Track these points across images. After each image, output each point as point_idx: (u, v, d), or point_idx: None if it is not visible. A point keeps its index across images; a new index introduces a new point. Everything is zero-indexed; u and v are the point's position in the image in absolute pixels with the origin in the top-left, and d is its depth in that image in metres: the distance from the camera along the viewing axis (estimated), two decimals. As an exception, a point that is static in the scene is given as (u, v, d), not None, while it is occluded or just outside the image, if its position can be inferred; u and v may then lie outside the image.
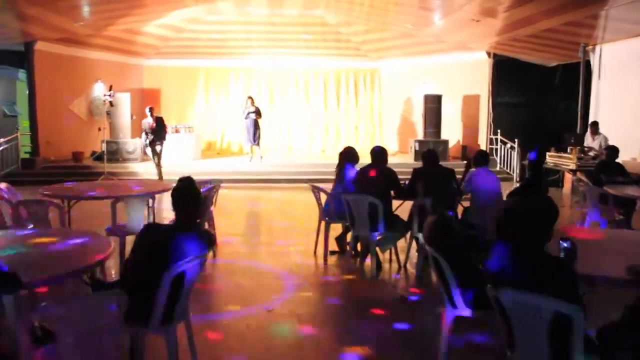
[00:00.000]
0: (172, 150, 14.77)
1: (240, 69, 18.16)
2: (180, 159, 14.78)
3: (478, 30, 13.20)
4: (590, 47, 12.27)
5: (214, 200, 6.83)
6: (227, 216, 9.20)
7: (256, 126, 14.55)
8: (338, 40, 16.95)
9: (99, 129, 13.05)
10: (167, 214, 8.70)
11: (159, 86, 18.02)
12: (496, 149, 15.12)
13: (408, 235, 6.26)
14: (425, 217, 5.55)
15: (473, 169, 6.06)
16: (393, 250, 6.23)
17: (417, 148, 15.06)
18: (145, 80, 18.09)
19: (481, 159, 6.13)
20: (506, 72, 15.52)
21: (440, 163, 6.25)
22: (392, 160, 15.74)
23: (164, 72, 17.92)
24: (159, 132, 12.74)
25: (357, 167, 6.40)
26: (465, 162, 6.52)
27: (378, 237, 5.74)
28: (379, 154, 6.08)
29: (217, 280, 5.88)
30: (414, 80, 17.10)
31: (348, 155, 6.49)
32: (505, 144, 14.83)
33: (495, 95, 15.43)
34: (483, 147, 15.50)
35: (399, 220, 6.01)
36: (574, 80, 15.52)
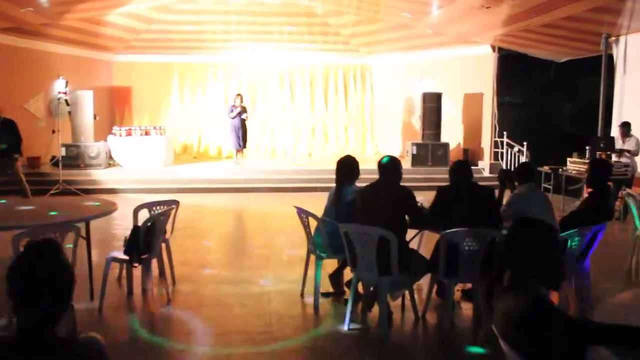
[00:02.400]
0: (140, 156, 13.18)
1: (218, 65, 16.56)
2: (149, 165, 13.16)
3: (483, 20, 11.73)
4: (614, 38, 10.84)
5: (170, 227, 5.26)
6: (193, 239, 7.61)
7: (245, 128, 13.01)
8: (325, 33, 15.39)
9: (53, 131, 11.37)
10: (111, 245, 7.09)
11: (130, 84, 16.40)
12: (502, 153, 13.66)
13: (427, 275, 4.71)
14: (453, 254, 4.05)
15: (514, 188, 4.53)
16: (407, 294, 4.66)
17: (414, 152, 13.57)
18: (115, 77, 16.46)
19: (527, 174, 4.59)
20: (511, 68, 14.07)
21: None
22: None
23: (135, 68, 16.29)
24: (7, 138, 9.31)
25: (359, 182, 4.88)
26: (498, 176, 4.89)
27: (390, 282, 4.18)
28: (390, 167, 4.41)
29: (161, 353, 4.13)
30: (409, 78, 15.65)
31: (347, 171, 4.95)
32: (512, 147, 13.37)
33: (500, 94, 13.96)
34: (487, 150, 14.06)
35: (417, 257, 4.46)
36: (578, 78, 14.23)
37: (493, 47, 13.72)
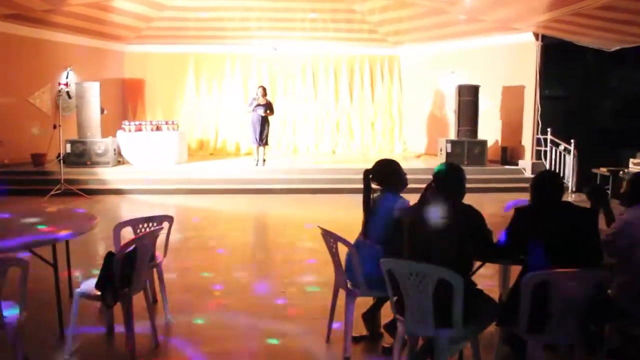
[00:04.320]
0: (151, 153, 12.21)
1: (236, 56, 15.52)
2: (160, 163, 12.17)
3: (527, 3, 10.51)
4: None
5: (163, 248, 4.21)
6: (200, 252, 6.59)
7: (264, 123, 11.92)
8: (350, 20, 14.21)
9: (54, 126, 10.42)
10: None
11: (143, 76, 15.46)
12: (545, 152, 12.39)
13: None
14: (541, 302, 2.91)
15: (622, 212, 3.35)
16: (469, 344, 3.49)
17: (448, 150, 12.39)
18: (127, 69, 15.53)
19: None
20: (554, 58, 12.78)
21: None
22: (416, 164, 13.23)
23: (147, 59, 15.36)
24: None
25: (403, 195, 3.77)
26: (586, 192, 3.62)
27: (450, 336, 3.05)
28: (450, 179, 3.28)
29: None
30: (441, 69, 14.47)
31: (387, 179, 3.84)
32: (557, 145, 12.10)
33: (543, 86, 12.69)
34: (528, 148, 12.81)
35: (484, 300, 3.31)
36: (631, 68, 12.93)
37: (536, 35, 12.46)
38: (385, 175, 3.85)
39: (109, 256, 3.42)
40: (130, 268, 3.45)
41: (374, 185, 3.81)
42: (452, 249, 3.06)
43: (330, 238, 3.76)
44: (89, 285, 3.62)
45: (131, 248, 3.43)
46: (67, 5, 11.36)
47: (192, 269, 5.84)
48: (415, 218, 3.21)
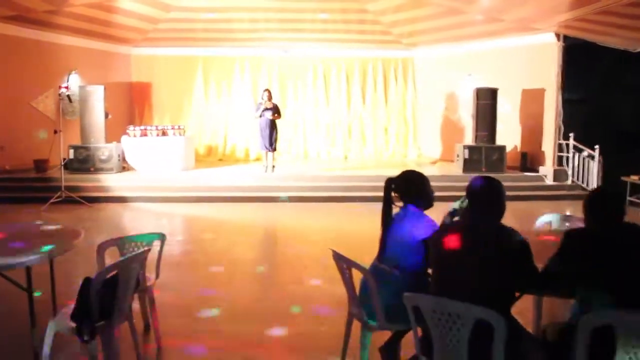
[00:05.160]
0: (157, 159, 11.79)
1: (245, 58, 15.09)
2: (166, 170, 11.74)
3: (548, 1, 9.97)
4: None
5: (155, 269, 3.73)
6: (199, 269, 6.12)
7: (273, 128, 11.45)
8: (363, 21, 13.72)
9: (55, 132, 10.01)
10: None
11: (150, 79, 15.09)
12: (567, 158, 11.81)
13: None
14: (602, 347, 2.40)
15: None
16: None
17: (466, 156, 11.85)
18: (134, 72, 15.17)
19: None
20: (575, 60, 12.20)
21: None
22: (432, 170, 12.68)
23: (155, 62, 15.03)
24: None
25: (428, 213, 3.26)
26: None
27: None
28: (488, 195, 2.75)
29: None
30: (456, 72, 13.95)
31: (412, 191, 3.32)
32: (580, 151, 11.52)
33: (565, 90, 12.12)
34: (549, 154, 12.24)
35: (529, 342, 2.76)
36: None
37: (557, 35, 11.90)
38: (411, 187, 3.32)
39: (86, 283, 2.94)
40: (111, 296, 2.97)
41: (395, 200, 3.30)
42: (491, 282, 2.55)
43: (343, 263, 3.24)
44: (66, 315, 3.14)
45: (112, 274, 2.95)
46: (69, 5, 10.96)
47: (190, 290, 5.34)
48: (445, 247, 2.69)
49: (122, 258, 3.15)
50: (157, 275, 3.87)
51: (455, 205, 3.09)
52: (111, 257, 3.76)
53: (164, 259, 3.96)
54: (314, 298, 5.12)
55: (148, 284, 3.76)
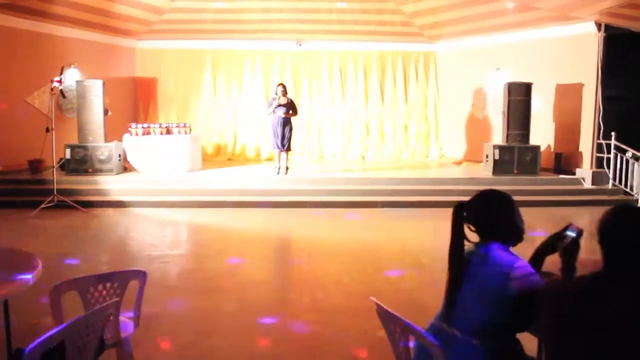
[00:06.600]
0: (160, 159, 10.91)
1: (256, 52, 14.15)
2: (170, 171, 10.85)
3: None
4: None
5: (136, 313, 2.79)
6: (196, 296, 5.13)
7: (286, 126, 10.53)
8: (382, 11, 12.76)
9: (47, 130, 9.13)
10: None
11: (155, 74, 14.22)
12: (608, 159, 10.75)
13: None
14: None
15: None
16: None
17: (496, 157, 10.83)
18: (139, 66, 14.29)
19: None
20: (617, 52, 11.14)
21: None
22: (455, 172, 11.63)
23: (161, 56, 14.17)
24: None
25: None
26: None
27: None
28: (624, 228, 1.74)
29: None
30: (483, 66, 12.94)
31: (495, 222, 2.31)
32: (623, 152, 10.46)
33: (606, 85, 11.05)
34: (587, 155, 11.20)
35: None
36: None
37: (598, 25, 10.85)
38: (493, 215, 2.33)
39: (17, 356, 2.01)
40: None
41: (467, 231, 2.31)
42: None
43: (396, 326, 2.24)
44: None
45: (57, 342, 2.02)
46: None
47: (183, 327, 4.36)
48: (579, 308, 1.72)
49: (70, 321, 2.18)
50: (137, 323, 2.93)
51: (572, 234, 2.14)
52: (72, 302, 2.82)
53: (159, 284, 3.05)
54: (337, 345, 4.12)
55: (123, 335, 2.82)
